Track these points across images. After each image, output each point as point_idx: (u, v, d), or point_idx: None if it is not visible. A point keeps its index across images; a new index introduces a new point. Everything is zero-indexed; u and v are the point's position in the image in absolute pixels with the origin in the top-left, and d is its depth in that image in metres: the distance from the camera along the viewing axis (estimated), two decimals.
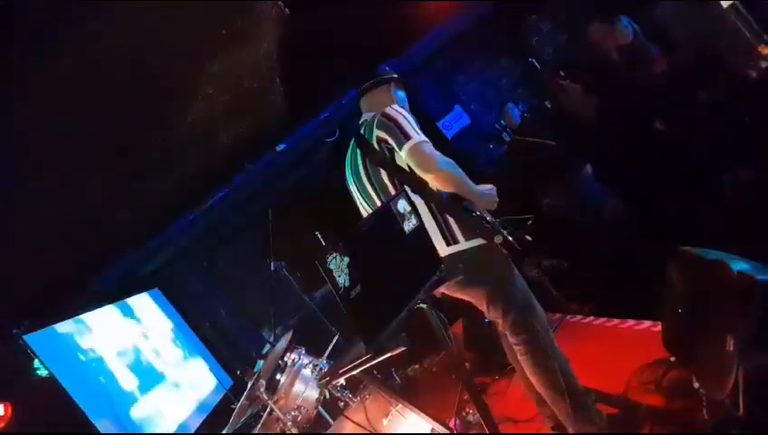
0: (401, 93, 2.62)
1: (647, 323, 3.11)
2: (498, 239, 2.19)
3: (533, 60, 5.73)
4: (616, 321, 3.44)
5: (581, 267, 4.74)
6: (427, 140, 2.25)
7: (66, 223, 3.97)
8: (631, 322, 3.27)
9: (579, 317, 3.90)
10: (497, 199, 2.36)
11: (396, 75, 2.62)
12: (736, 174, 3.94)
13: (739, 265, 2.01)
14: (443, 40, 6.04)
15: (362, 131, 2.40)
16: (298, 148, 5.86)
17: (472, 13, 5.73)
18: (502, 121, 5.87)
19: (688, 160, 4.19)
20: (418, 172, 2.22)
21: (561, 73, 5.70)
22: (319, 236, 4.07)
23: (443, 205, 2.26)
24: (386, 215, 1.81)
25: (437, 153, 2.24)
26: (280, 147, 5.57)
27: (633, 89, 4.33)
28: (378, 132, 2.29)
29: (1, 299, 4.00)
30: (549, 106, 5.83)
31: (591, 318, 3.74)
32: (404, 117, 2.27)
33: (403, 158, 2.24)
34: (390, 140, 2.25)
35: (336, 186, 2.84)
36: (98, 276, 5.15)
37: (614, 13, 4.27)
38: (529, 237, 2.25)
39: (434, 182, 2.23)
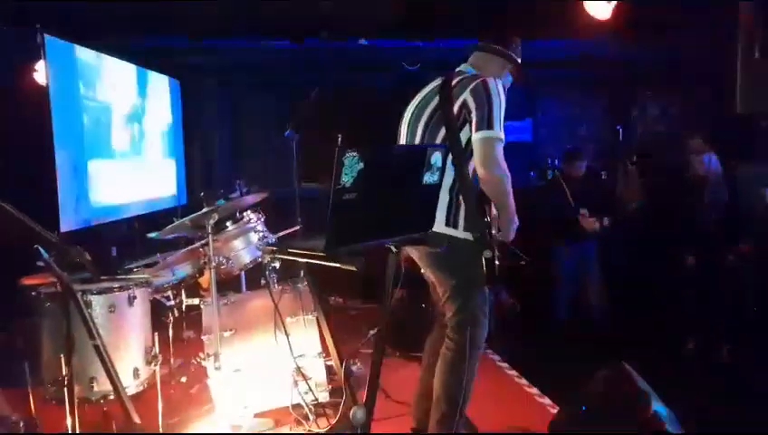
0: (510, 79, 2.53)
1: (548, 401, 3.22)
2: (487, 255, 2.21)
3: (621, 128, 5.61)
4: (524, 382, 3.54)
5: (529, 324, 4.83)
6: (503, 139, 2.23)
7: None
8: (536, 390, 3.39)
9: (497, 357, 3.99)
10: (513, 235, 2.36)
11: (519, 61, 2.52)
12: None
13: (658, 407, 2.08)
14: (565, 54, 5.81)
15: (454, 82, 2.32)
16: (377, 54, 5.71)
17: (606, 50, 5.50)
18: (556, 161, 5.79)
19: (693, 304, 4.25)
20: (476, 162, 2.20)
21: (634, 158, 5.60)
22: (339, 138, 4.02)
23: (468, 193, 2.25)
24: (417, 155, 1.81)
25: (503, 160, 2.23)
26: (363, 41, 5.41)
27: (683, 215, 4.33)
28: (467, 96, 2.23)
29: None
30: (604, 178, 5.75)
31: (507, 365, 3.84)
32: (500, 103, 2.21)
33: (473, 139, 2.20)
34: (473, 113, 2.20)
35: (389, 109, 2.80)
36: (138, 36, 5.06)
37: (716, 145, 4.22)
38: (523, 262, 2.28)
39: (483, 178, 2.22)
